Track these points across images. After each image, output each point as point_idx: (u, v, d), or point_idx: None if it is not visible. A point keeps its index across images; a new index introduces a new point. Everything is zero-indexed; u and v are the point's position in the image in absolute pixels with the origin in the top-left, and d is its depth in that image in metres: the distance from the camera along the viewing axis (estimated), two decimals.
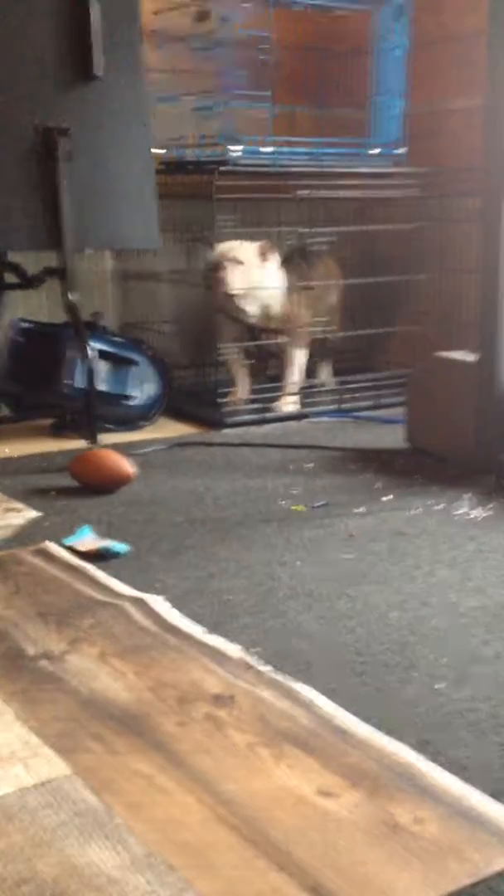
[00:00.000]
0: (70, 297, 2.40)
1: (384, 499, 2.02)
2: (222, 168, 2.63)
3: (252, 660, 1.30)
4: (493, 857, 0.91)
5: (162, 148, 2.82)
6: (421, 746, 1.10)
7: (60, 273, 2.39)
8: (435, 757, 1.08)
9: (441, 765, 1.06)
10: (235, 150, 2.66)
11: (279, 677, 1.25)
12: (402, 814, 0.97)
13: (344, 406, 2.88)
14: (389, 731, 1.13)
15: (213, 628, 1.41)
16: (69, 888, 0.86)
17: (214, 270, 2.70)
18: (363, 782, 1.02)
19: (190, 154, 2.82)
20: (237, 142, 2.67)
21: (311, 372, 3.04)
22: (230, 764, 1.06)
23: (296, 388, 2.87)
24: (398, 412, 2.73)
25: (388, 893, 0.86)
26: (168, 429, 2.70)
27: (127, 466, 2.08)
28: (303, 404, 2.85)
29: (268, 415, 2.76)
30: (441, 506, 1.97)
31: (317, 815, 0.97)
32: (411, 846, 0.92)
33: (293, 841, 0.93)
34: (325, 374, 3.11)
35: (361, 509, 1.96)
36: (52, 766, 1.05)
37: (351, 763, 1.06)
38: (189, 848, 0.92)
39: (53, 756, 1.07)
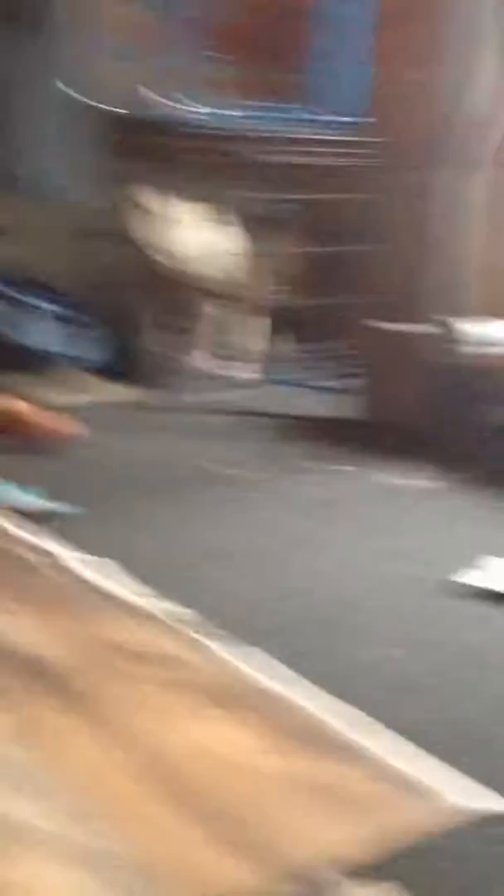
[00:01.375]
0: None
1: (335, 467, 2.04)
2: (179, 129, 2.60)
3: (185, 620, 1.31)
4: (417, 810, 0.93)
5: (118, 107, 2.76)
6: (353, 706, 1.12)
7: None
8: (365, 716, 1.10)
9: (370, 724, 1.08)
10: (192, 111, 2.63)
11: (212, 638, 1.26)
12: (331, 771, 0.99)
13: (300, 375, 2.89)
14: (321, 692, 1.15)
15: (154, 589, 1.41)
16: None
17: (164, 234, 2.68)
18: (294, 741, 1.04)
19: (148, 113, 2.78)
20: (193, 102, 2.64)
21: (269, 340, 3.04)
22: (162, 720, 1.07)
23: (253, 356, 2.87)
24: (353, 382, 2.75)
25: (317, 848, 0.88)
26: (118, 391, 2.68)
27: (70, 427, 2.06)
28: (260, 372, 2.85)
29: (225, 380, 2.76)
30: (392, 474, 1.98)
31: (248, 772, 0.99)
32: (341, 802, 0.94)
33: (222, 796, 0.94)
34: (282, 343, 3.11)
35: (314, 478, 1.97)
36: None
37: (282, 723, 1.07)
38: (115, 800, 0.93)
39: None
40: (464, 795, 0.96)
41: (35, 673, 1.16)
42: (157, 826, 0.90)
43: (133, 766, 0.99)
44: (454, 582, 1.45)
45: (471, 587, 1.43)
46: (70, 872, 0.83)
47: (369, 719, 1.09)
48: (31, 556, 1.52)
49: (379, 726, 1.08)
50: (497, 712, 1.11)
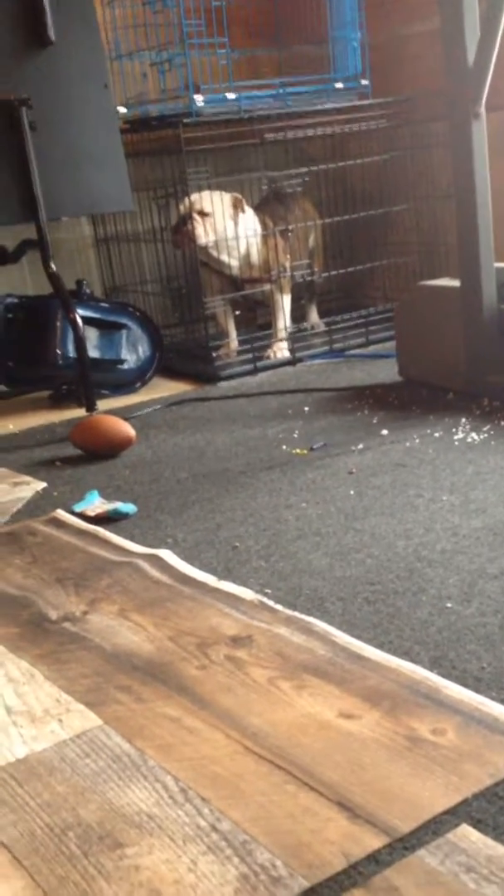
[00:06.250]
0: (51, 267, 2.41)
1: (382, 433, 2.05)
2: (187, 120, 2.62)
3: (266, 600, 1.34)
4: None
5: (124, 106, 2.80)
6: (435, 663, 1.14)
7: (39, 244, 2.40)
8: (449, 672, 1.12)
9: (456, 678, 1.10)
10: (199, 101, 2.65)
11: (294, 614, 1.29)
12: (421, 727, 1.02)
13: (335, 346, 2.90)
14: (405, 653, 1.17)
15: (226, 575, 1.45)
16: (114, 828, 0.91)
17: (183, 224, 2.70)
18: (382, 702, 1.07)
19: (153, 109, 2.81)
20: (200, 91, 2.66)
21: (299, 316, 3.05)
22: (253, 699, 1.10)
23: (285, 334, 2.88)
24: (388, 346, 2.75)
25: (413, 801, 0.91)
26: (163, 388, 2.73)
27: (127, 429, 2.11)
28: (294, 349, 2.86)
29: (260, 363, 2.78)
30: (438, 434, 2.00)
31: (340, 736, 1.02)
32: (432, 755, 0.97)
33: (319, 763, 0.98)
34: (313, 317, 3.13)
35: (360, 446, 1.99)
36: (84, 719, 1.10)
37: (369, 685, 1.10)
38: (221, 780, 0.97)
39: (85, 710, 1.12)
40: None
41: (132, 668, 1.20)
42: (269, 800, 0.93)
43: (237, 745, 1.01)
44: None
45: None
46: (190, 853, 0.86)
47: (457, 672, 1.11)
48: (121, 558, 1.56)
49: (469, 677, 1.09)
50: None
